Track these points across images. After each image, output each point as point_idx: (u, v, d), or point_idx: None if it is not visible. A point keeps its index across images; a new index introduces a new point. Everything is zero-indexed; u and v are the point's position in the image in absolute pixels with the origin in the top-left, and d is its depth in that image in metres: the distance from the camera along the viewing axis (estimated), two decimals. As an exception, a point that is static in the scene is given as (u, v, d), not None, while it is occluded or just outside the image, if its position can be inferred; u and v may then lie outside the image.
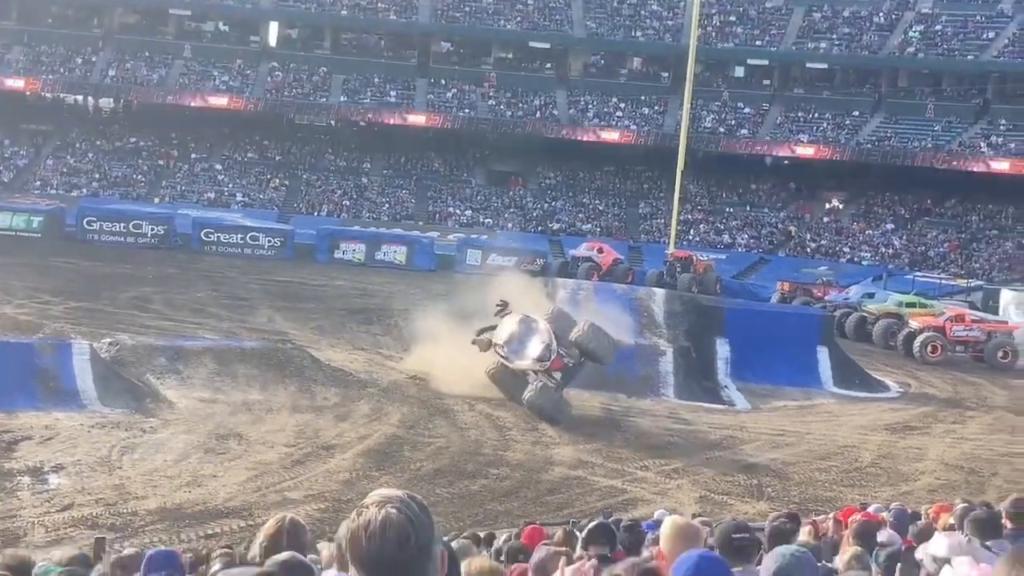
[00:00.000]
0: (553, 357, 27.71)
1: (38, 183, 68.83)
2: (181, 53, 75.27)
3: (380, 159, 74.32)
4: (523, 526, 13.44)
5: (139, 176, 70.29)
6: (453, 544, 10.93)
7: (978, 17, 73.67)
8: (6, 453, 21.71)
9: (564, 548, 8.74)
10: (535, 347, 27.79)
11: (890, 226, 69.50)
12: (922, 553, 5.09)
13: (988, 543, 6.45)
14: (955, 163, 67.26)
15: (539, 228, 68.92)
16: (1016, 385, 38.64)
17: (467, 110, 73.63)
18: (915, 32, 73.85)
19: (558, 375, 28.23)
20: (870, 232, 69.37)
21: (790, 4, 76.32)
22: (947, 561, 4.18)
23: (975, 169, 66.96)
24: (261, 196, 70.52)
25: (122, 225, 56.80)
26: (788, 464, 25.66)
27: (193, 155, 73.62)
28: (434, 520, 3.19)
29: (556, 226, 69.25)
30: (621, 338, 31.21)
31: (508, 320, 28.39)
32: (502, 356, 28.03)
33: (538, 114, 73.55)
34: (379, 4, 76.54)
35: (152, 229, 57.21)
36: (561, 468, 23.89)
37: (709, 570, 4.86)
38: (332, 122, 76.11)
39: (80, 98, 76.84)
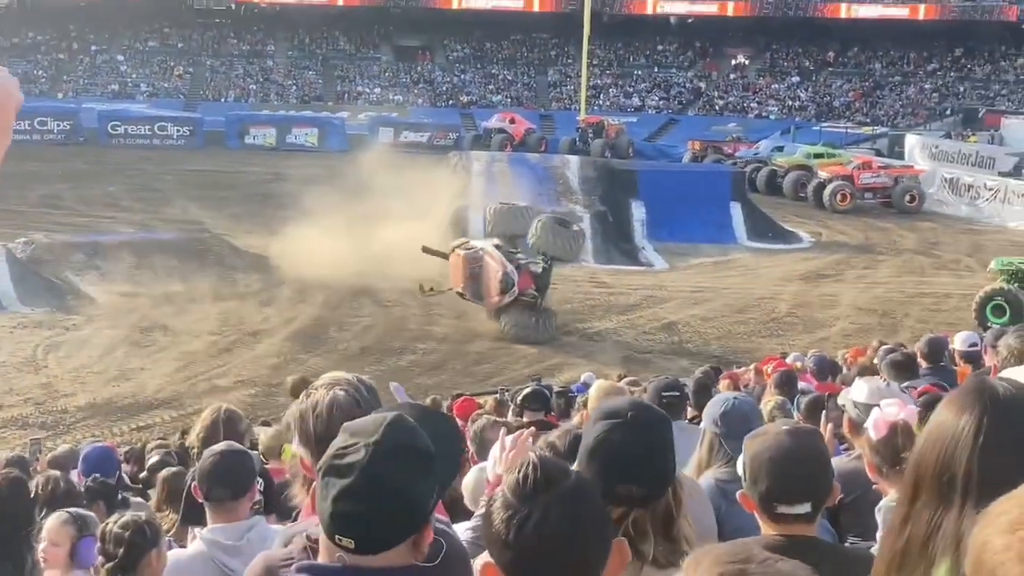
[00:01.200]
0: (516, 279, 24.39)
1: (-67, 84, 67.02)
2: (73, -57, 73.34)
3: (284, 41, 73.35)
4: (453, 398, 13.53)
5: (40, 72, 68.75)
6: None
7: None
8: (-73, 359, 21.54)
9: (499, 417, 8.82)
10: (493, 282, 24.68)
11: (795, 79, 69.83)
12: (843, 399, 5.21)
13: (905, 384, 6.63)
14: (856, 12, 67.49)
15: (450, 102, 68.54)
16: (923, 227, 39.31)
17: (369, -14, 72.59)
18: None
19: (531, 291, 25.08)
20: (776, 86, 69.71)
21: None
22: (869, 406, 4.27)
23: (876, 16, 67.30)
24: (166, 85, 69.36)
25: (26, 123, 55.56)
26: (707, 320, 26.03)
27: (93, 47, 72.11)
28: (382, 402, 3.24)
29: (467, 99, 68.86)
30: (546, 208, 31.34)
31: (455, 261, 25.56)
32: (468, 300, 25.51)
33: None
34: None
35: (57, 125, 56.18)
36: (486, 339, 24.08)
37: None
38: (232, 5, 74.65)
39: (-30, -5, 74.70)
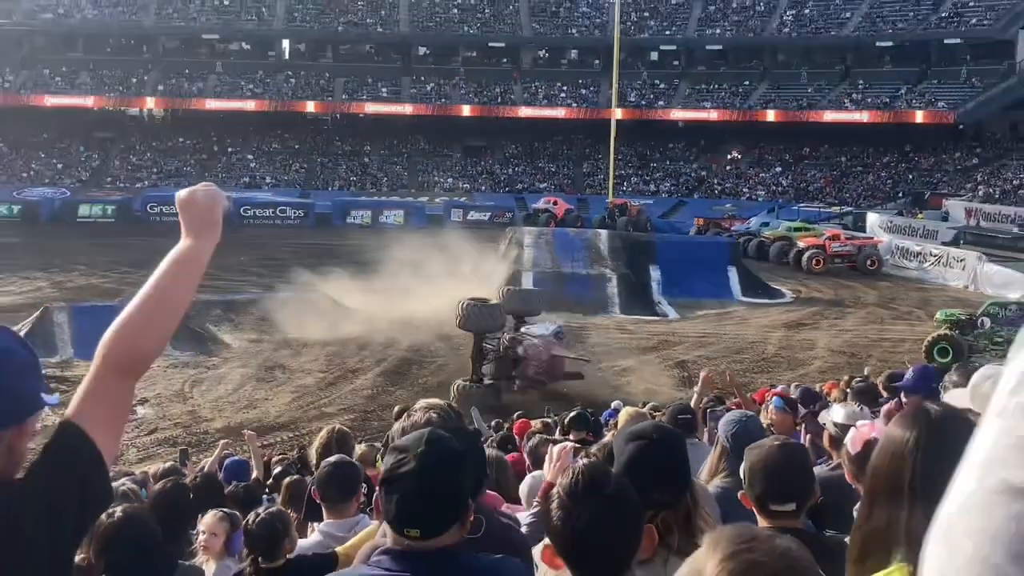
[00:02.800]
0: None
1: (109, 179, 68.24)
2: (214, 69, 74.59)
3: (378, 143, 73.93)
4: (513, 420, 13.51)
5: (188, 168, 69.70)
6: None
7: (837, 0, 73.61)
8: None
9: (548, 435, 8.82)
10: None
11: (778, 169, 69.61)
12: (824, 419, 5.20)
13: (870, 409, 6.55)
14: (825, 117, 67.52)
15: (506, 189, 68.83)
16: (882, 286, 38.95)
17: (443, 100, 73.28)
18: (789, 16, 73.83)
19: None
20: (763, 175, 69.50)
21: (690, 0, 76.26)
22: (847, 427, 4.27)
23: (841, 120, 67.28)
24: (286, 178, 70.08)
25: (176, 208, 56.41)
26: (710, 359, 25.83)
27: (229, 149, 73.10)
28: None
29: (519, 186, 69.13)
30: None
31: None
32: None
33: (499, 99, 73.24)
34: (367, 20, 76.19)
35: None
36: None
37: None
38: (338, 115, 75.56)
39: (136, 110, 75.96)
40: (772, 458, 3.35)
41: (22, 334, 24.37)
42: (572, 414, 9.65)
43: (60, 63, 73.14)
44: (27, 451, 2.04)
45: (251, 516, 4.84)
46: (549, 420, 12.36)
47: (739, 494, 3.47)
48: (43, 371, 2.18)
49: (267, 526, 4.61)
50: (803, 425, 7.19)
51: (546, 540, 2.56)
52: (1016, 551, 0.70)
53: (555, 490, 2.55)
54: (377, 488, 2.75)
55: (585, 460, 2.59)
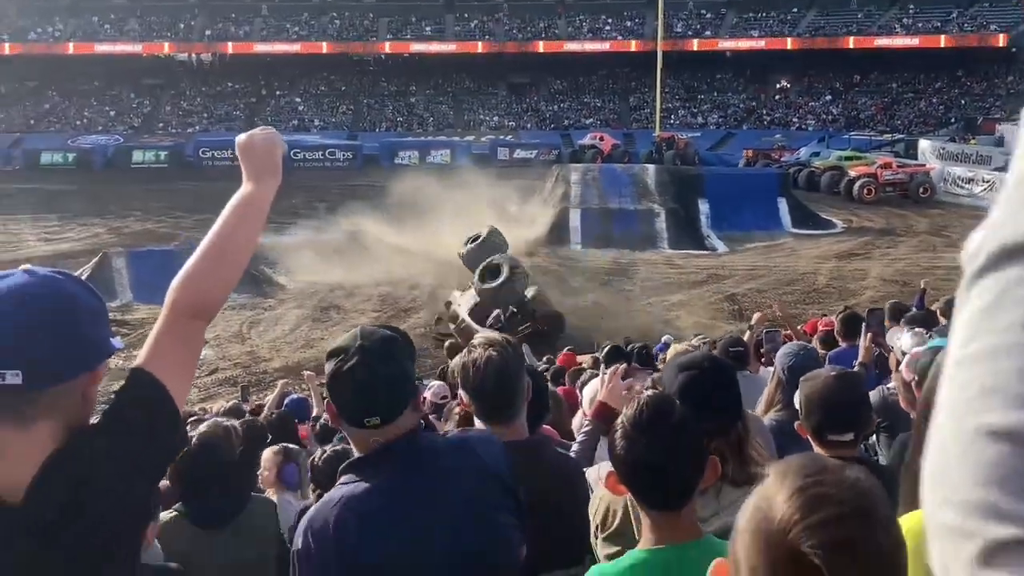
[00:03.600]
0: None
1: (160, 125, 68.77)
2: (259, 12, 74.47)
3: (423, 82, 73.65)
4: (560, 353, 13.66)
5: (237, 112, 70.05)
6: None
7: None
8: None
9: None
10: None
11: (828, 97, 68.48)
12: (892, 343, 5.22)
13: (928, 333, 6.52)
14: (876, 43, 66.20)
15: (552, 126, 68.39)
16: (934, 214, 38.41)
17: (487, 36, 72.67)
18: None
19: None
20: (812, 104, 68.41)
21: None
22: (910, 349, 4.33)
23: (892, 46, 65.94)
24: (333, 120, 70.17)
25: (228, 152, 56.79)
26: (761, 291, 25.73)
27: (277, 92, 73.27)
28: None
29: (565, 123, 68.66)
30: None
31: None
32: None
33: (544, 34, 72.49)
34: (410, -42, 75.57)
35: None
36: (585, 310, 24.05)
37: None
38: (383, 56, 75.31)
39: (185, 55, 76.20)
40: (829, 388, 3.36)
41: (82, 279, 24.83)
42: (607, 347, 9.73)
43: (108, 10, 73.43)
44: (97, 397, 2.09)
45: (317, 453, 4.95)
46: (599, 355, 12.44)
47: (795, 424, 3.49)
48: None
49: (333, 463, 4.71)
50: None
51: (610, 467, 2.59)
52: (1009, 489, 0.70)
53: (620, 420, 2.57)
54: (327, 395, 2.81)
55: (650, 391, 2.62)
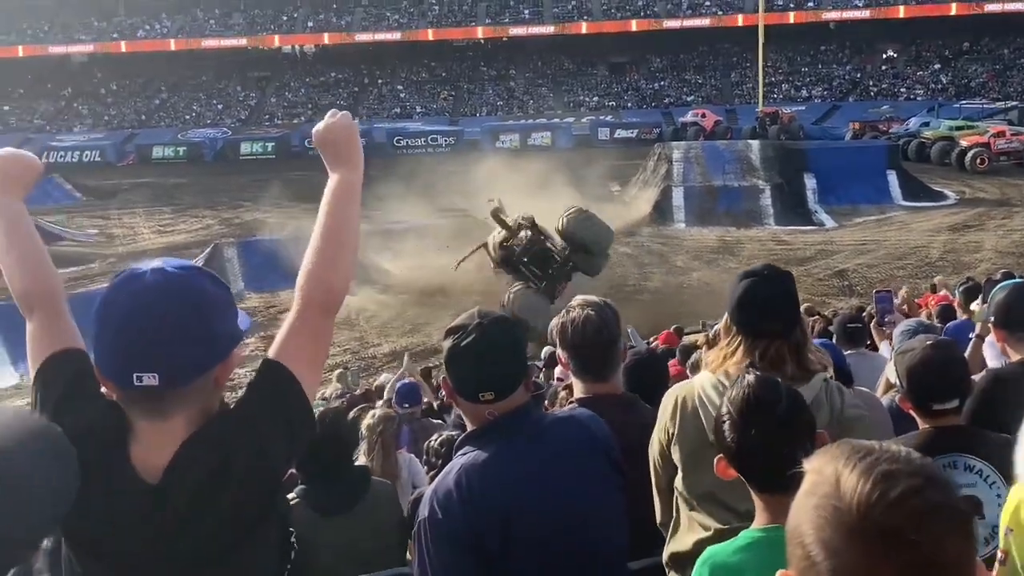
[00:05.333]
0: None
1: (267, 117, 70.16)
2: (360, 2, 75.32)
3: (522, 65, 73.69)
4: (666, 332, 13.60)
5: (341, 102, 71.01)
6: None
7: None
8: (273, 323, 22.56)
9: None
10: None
11: (937, 66, 66.55)
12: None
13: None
14: (987, 8, 64.06)
15: (652, 104, 67.85)
16: (1053, 183, 37.13)
17: (585, 17, 72.28)
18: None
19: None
20: (921, 73, 66.59)
21: None
22: None
23: (1004, 10, 63.73)
24: (434, 106, 70.68)
25: None
26: (871, 266, 25.18)
27: (379, 81, 74.08)
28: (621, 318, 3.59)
29: (666, 101, 68.05)
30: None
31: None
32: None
33: (642, 13, 71.84)
34: (507, -58, 75.59)
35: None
36: (691, 288, 23.85)
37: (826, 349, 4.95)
38: (482, 40, 75.54)
39: (289, 48, 77.50)
40: (929, 358, 3.35)
41: (196, 270, 25.46)
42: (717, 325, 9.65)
43: (213, 5, 75.03)
44: (228, 379, 2.18)
45: (433, 438, 5.01)
46: (709, 333, 12.37)
47: (897, 398, 3.47)
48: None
49: (447, 446, 4.75)
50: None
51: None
52: None
53: (724, 405, 2.54)
54: (444, 372, 2.94)
55: (753, 374, 2.59)
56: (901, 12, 66.56)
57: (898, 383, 3.44)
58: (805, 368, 3.02)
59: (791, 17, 68.20)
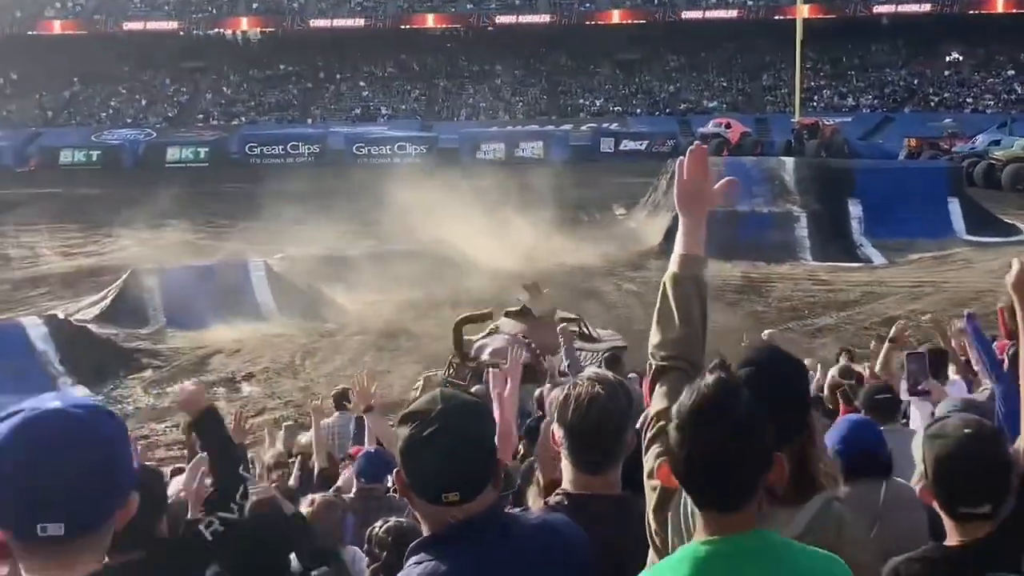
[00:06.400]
0: None
1: (200, 116, 70.25)
2: (315, -20, 75.76)
3: (510, 61, 74.04)
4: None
5: (290, 99, 71.21)
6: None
7: None
8: (201, 367, 22.50)
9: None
10: None
11: (1011, 73, 67.24)
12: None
13: None
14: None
15: (667, 111, 68.25)
16: None
17: (587, 4, 72.78)
18: None
19: None
20: (991, 80, 67.24)
21: None
22: None
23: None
24: (403, 107, 70.92)
25: (280, 147, 57.85)
26: (926, 312, 25.25)
27: (337, 76, 74.30)
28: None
29: (683, 107, 68.45)
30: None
31: None
32: None
33: (656, 1, 72.38)
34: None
35: (308, 148, 58.20)
36: (709, 334, 23.79)
37: (861, 431, 4.95)
38: (462, 30, 75.90)
39: (229, 33, 77.73)
40: (962, 452, 3.30)
41: (107, 302, 25.41)
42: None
43: (138, -18, 75.22)
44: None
45: (377, 524, 4.99)
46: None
47: (918, 488, 3.47)
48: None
49: (396, 537, 4.73)
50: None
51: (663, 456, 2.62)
52: None
53: (674, 408, 2.54)
54: (398, 465, 2.96)
55: (717, 374, 2.57)
56: (969, 8, 67.29)
57: (923, 470, 3.44)
58: (805, 488, 2.97)
59: (838, 11, 68.80)
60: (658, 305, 3.23)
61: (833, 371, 10.97)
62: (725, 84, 71.33)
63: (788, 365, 3.20)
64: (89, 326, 23.87)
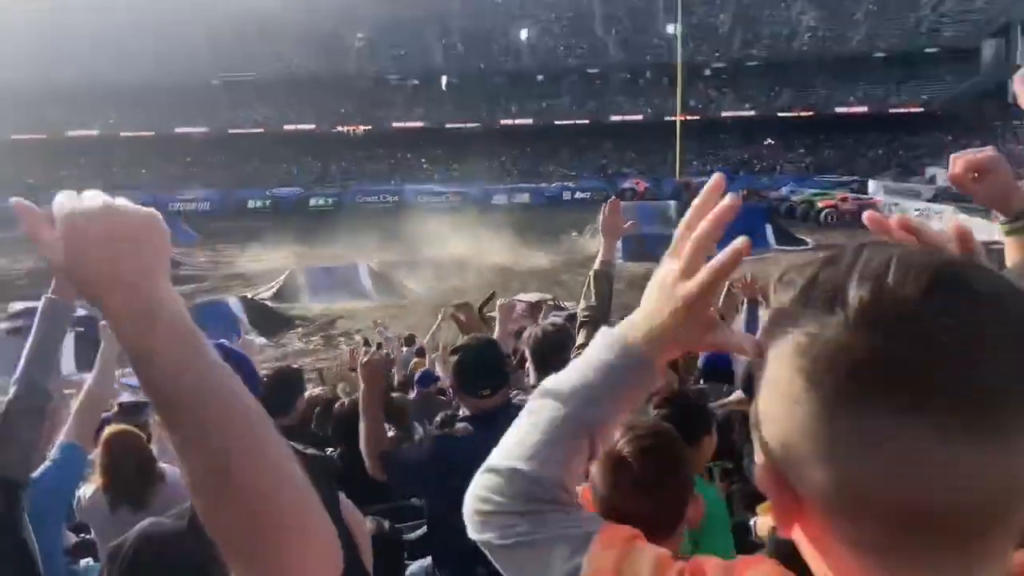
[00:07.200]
0: None
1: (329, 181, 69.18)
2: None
3: (509, 149, 73.18)
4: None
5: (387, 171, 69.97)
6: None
7: (844, 19, 69.97)
8: (330, 326, 22.47)
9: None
10: None
11: (802, 151, 66.72)
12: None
13: None
14: (837, 109, 64.45)
15: (602, 175, 67.62)
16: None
17: (555, 109, 71.89)
18: (807, 35, 70.54)
19: None
20: (790, 155, 66.72)
21: None
22: None
23: (849, 112, 64.32)
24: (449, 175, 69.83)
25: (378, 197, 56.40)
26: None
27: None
28: None
29: (610, 172, 67.79)
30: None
31: None
32: None
33: (595, 108, 71.48)
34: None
35: (392, 198, 56.82)
36: (624, 312, 23.71)
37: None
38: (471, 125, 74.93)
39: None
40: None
41: (276, 288, 25.09)
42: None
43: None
44: None
45: (435, 424, 4.92)
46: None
47: None
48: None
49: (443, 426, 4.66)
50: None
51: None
52: None
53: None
54: (451, 376, 3.24)
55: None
56: (778, 111, 67.30)
57: None
58: None
59: (700, 113, 68.72)
60: (585, 288, 3.30)
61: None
62: (636, 159, 70.86)
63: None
64: (266, 302, 23.93)
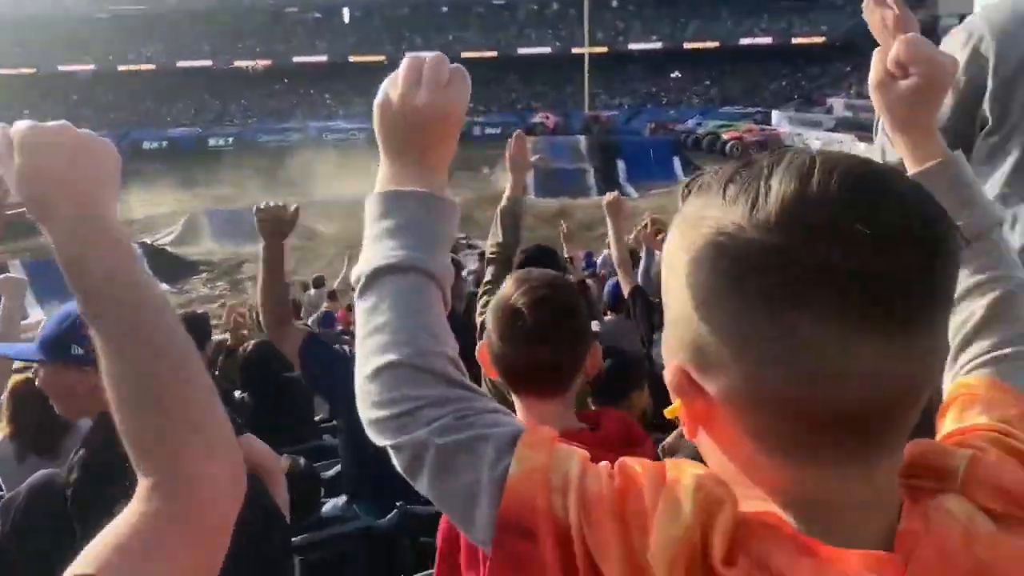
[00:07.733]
0: None
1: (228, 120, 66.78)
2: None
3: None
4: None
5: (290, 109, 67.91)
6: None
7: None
8: (236, 269, 21.83)
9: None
10: None
11: (707, 83, 67.76)
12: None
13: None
14: (741, 40, 65.57)
15: (509, 110, 67.31)
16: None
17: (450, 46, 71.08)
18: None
19: None
20: (696, 87, 67.66)
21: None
22: None
23: (752, 43, 65.47)
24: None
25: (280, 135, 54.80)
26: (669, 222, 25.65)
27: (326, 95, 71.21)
28: None
29: (520, 107, 67.46)
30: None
31: None
32: None
33: (501, 42, 70.61)
34: None
35: (296, 135, 55.55)
36: (531, 243, 23.87)
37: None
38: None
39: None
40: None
41: (175, 233, 24.32)
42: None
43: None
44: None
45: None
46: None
47: None
48: None
49: None
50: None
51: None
52: None
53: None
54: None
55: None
56: (684, 43, 67.88)
57: None
58: None
59: (607, 44, 68.67)
60: (493, 225, 3.25)
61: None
62: (545, 92, 70.58)
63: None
64: (166, 247, 23.23)
